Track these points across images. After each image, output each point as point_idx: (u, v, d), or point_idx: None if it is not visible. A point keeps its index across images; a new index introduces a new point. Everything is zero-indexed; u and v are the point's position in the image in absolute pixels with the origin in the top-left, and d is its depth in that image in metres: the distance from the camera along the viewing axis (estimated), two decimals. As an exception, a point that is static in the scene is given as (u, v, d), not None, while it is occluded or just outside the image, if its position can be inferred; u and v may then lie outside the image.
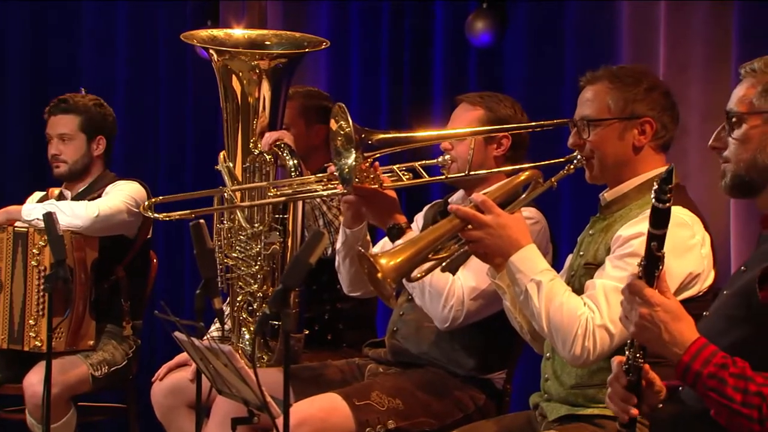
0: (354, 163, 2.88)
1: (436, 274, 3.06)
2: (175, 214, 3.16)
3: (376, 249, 3.26)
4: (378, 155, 2.97)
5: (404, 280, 3.13)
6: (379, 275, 2.64)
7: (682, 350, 2.00)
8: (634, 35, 3.97)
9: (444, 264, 2.75)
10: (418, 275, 2.79)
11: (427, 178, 3.09)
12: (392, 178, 3.08)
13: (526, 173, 2.79)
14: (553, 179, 2.75)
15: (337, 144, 2.94)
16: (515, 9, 4.42)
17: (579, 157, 2.73)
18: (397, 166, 3.10)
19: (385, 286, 2.65)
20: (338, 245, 3.29)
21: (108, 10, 5.66)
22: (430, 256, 2.71)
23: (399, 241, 2.95)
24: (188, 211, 3.13)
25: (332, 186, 3.15)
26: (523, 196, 2.78)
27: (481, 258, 2.71)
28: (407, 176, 3.11)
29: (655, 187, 2.00)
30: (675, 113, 2.75)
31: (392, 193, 3.07)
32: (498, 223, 2.63)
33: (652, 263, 2.04)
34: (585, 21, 4.16)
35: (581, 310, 2.55)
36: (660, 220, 2.02)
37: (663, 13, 3.83)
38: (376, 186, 3.02)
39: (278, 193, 3.30)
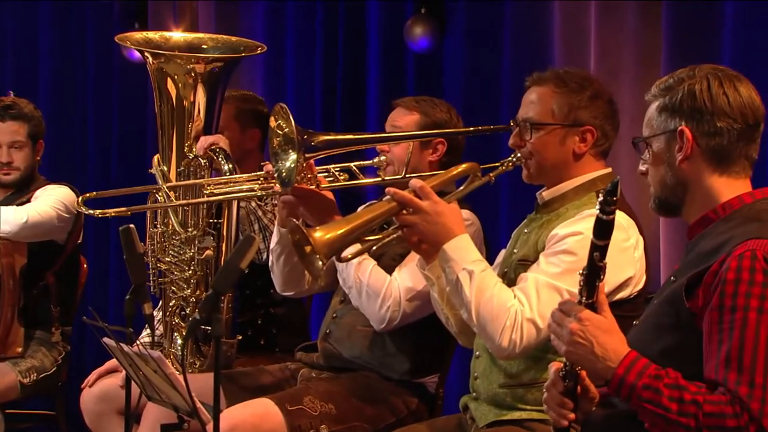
0: (294, 164, 2.86)
1: (374, 274, 3.06)
2: (111, 211, 3.11)
3: None
4: (320, 156, 2.95)
5: (340, 278, 3.13)
6: (309, 249, 2.62)
7: (615, 363, 2.01)
8: (565, 39, 4.00)
9: (375, 247, 2.74)
10: (348, 255, 2.78)
11: (363, 179, 3.08)
12: (328, 179, 3.08)
13: (465, 165, 2.79)
14: (491, 174, 2.76)
15: (276, 145, 2.91)
16: (454, 14, 4.44)
17: (518, 155, 2.74)
18: (333, 166, 3.09)
19: (315, 261, 2.63)
20: (272, 244, 3.27)
21: (30, 13, 5.56)
22: (363, 238, 2.70)
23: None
24: (124, 209, 3.10)
25: (268, 186, 3.13)
26: (461, 187, 2.79)
27: (412, 246, 2.70)
28: (343, 177, 3.10)
29: (600, 198, 2.01)
30: (616, 121, 2.76)
31: (329, 194, 3.06)
32: (435, 210, 2.62)
33: (593, 273, 2.06)
34: (521, 26, 4.18)
35: (511, 302, 2.56)
36: (603, 231, 2.03)
37: (593, 15, 3.87)
38: (314, 186, 3.01)
39: (214, 191, 3.25)
